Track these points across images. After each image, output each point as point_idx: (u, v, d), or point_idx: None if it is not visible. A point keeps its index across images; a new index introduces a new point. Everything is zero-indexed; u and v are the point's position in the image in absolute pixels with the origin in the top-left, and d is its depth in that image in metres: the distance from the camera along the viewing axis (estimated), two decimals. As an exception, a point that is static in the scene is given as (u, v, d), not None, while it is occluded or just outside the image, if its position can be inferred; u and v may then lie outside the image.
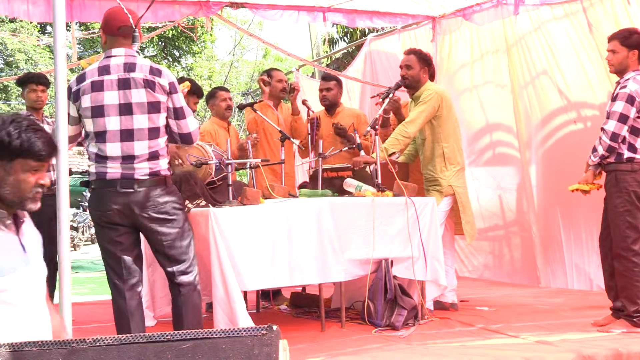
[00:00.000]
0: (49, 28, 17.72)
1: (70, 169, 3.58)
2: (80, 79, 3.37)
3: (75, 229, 14.54)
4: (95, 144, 3.32)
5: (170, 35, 18.75)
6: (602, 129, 4.19)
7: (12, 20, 16.80)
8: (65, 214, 2.91)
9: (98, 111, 3.29)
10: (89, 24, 16.74)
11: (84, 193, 17.04)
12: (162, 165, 3.38)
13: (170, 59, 20.22)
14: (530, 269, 6.39)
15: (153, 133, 3.33)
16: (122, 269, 3.44)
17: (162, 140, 3.39)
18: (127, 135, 3.28)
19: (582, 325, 4.32)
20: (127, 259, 3.45)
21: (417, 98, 5.02)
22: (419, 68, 5.04)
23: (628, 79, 4.17)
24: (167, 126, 3.44)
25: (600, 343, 3.79)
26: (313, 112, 5.73)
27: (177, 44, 19.66)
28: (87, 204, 16.19)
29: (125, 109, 3.29)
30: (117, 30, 3.41)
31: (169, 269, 3.48)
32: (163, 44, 19.61)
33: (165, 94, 3.36)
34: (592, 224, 5.52)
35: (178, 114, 3.41)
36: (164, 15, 6.35)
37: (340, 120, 5.70)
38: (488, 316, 4.80)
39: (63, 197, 2.89)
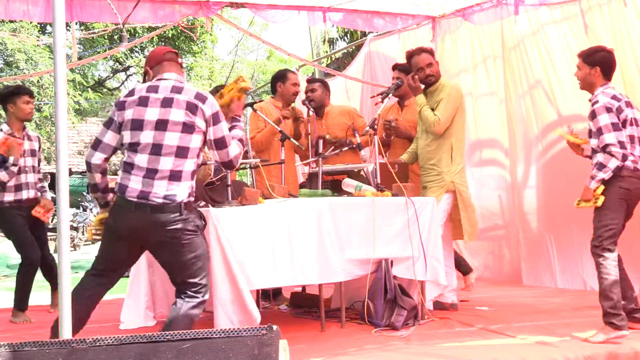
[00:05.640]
0: (49, 28, 17.70)
1: (70, 169, 3.56)
2: (130, 93, 3.51)
3: (75, 229, 14.51)
4: (127, 152, 3.42)
5: (170, 35, 18.69)
6: (605, 145, 4.06)
7: (12, 20, 16.78)
8: (65, 214, 2.90)
9: (137, 124, 3.39)
10: (89, 24, 16.71)
11: (84, 193, 17.02)
12: (181, 190, 3.37)
13: (170, 59, 20.19)
14: (529, 269, 6.39)
15: (181, 152, 3.38)
16: (105, 268, 3.55)
17: (189, 162, 3.41)
18: (156, 149, 3.36)
19: (582, 325, 4.31)
20: (119, 262, 3.55)
21: (432, 92, 5.03)
22: (436, 63, 5.09)
23: (597, 95, 4.20)
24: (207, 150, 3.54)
25: (600, 343, 3.79)
26: (313, 111, 5.72)
27: (177, 43, 19.58)
28: (87, 204, 16.20)
29: (161, 125, 3.38)
30: (163, 56, 3.56)
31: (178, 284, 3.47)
32: (163, 43, 19.58)
33: (204, 121, 3.44)
34: (589, 225, 5.52)
35: (219, 145, 3.50)
36: (164, 15, 6.34)
37: (332, 120, 5.71)
38: (488, 316, 4.80)
39: (63, 197, 2.88)
